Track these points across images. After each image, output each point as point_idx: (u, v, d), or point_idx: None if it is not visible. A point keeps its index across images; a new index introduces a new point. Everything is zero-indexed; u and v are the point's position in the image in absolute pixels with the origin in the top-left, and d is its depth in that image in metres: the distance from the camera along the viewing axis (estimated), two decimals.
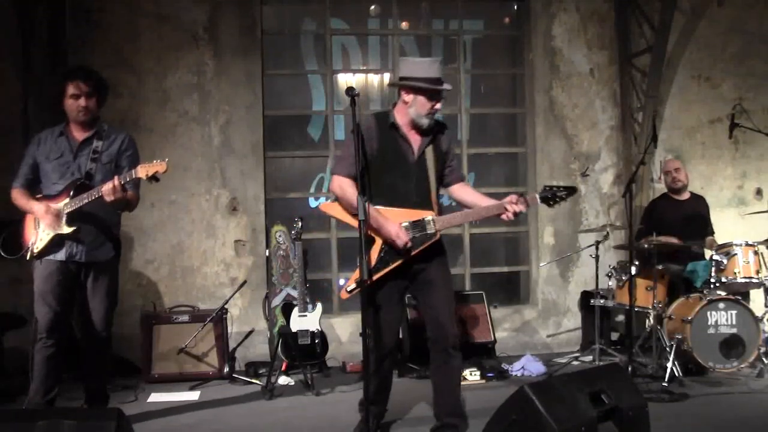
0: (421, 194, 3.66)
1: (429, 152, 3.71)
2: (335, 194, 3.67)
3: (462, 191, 3.86)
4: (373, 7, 6.60)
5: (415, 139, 3.69)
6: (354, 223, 3.49)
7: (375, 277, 3.55)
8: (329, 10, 6.36)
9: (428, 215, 3.64)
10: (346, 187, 3.59)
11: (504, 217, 3.63)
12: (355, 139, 3.46)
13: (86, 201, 3.84)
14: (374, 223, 3.52)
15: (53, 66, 5.42)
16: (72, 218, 3.88)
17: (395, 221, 3.57)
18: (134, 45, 5.91)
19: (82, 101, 3.94)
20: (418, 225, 3.60)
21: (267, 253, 5.89)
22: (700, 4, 6.66)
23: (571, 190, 3.74)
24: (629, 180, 5.15)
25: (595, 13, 6.60)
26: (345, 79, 6.57)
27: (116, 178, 3.78)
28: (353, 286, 3.59)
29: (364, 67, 6.68)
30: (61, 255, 3.93)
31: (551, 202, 3.70)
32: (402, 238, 3.53)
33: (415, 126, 3.67)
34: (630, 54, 6.59)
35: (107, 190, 3.75)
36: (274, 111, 6.32)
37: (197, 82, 5.99)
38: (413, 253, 3.59)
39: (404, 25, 6.61)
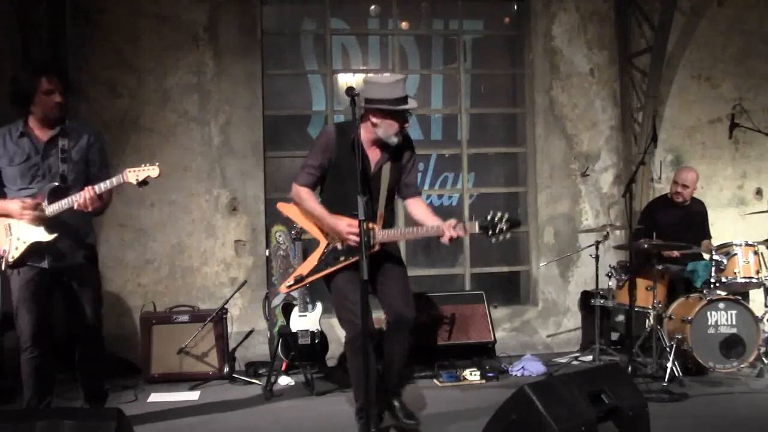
0: (369, 208, 3.68)
1: (386, 168, 3.81)
2: (294, 201, 3.90)
3: (414, 206, 3.92)
4: (373, 7, 6.60)
5: (374, 155, 3.81)
6: (307, 226, 3.92)
7: (313, 278, 3.86)
8: (329, 10, 6.36)
9: (370, 227, 3.68)
10: (303, 195, 3.82)
11: (442, 240, 3.65)
12: (356, 141, 3.50)
13: (66, 207, 3.66)
14: (328, 222, 3.74)
15: None
16: (51, 224, 3.71)
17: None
18: (134, 45, 5.90)
19: (57, 97, 3.73)
20: None
21: (267, 253, 5.89)
22: (700, 4, 6.65)
23: (515, 224, 3.65)
24: (629, 180, 5.16)
25: (595, 13, 6.59)
26: (345, 79, 6.57)
27: (90, 188, 3.62)
28: (291, 282, 3.87)
29: (364, 67, 6.67)
30: (43, 263, 3.77)
31: (490, 232, 3.62)
32: (354, 230, 3.57)
33: (381, 144, 3.77)
34: (630, 54, 6.59)
35: (83, 203, 3.60)
36: (274, 111, 6.32)
37: (197, 82, 5.99)
38: (352, 260, 3.70)
39: (404, 25, 6.60)
